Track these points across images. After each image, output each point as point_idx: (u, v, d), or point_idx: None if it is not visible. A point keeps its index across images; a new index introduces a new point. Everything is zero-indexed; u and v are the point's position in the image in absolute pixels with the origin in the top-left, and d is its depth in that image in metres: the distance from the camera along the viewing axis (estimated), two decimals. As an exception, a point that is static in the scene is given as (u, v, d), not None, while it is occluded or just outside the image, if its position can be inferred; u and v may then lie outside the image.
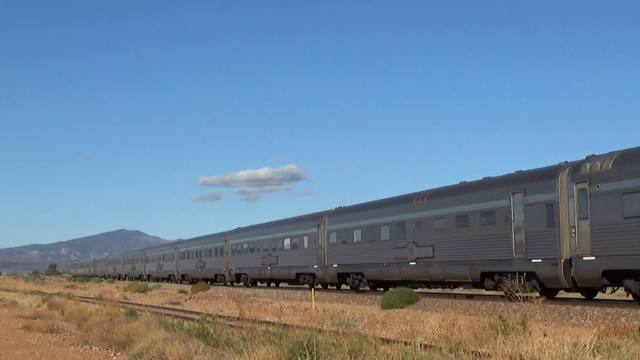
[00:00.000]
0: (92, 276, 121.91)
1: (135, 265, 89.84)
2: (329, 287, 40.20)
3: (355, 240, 35.40)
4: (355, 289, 35.78)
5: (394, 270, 31.63)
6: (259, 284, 51.46)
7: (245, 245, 51.04)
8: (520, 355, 9.45)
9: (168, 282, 73.17)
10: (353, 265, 35.36)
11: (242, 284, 52.46)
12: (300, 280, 42.21)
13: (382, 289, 34.10)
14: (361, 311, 26.79)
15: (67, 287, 73.16)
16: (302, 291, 39.55)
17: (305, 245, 40.97)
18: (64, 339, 19.67)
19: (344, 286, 38.56)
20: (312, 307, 29.74)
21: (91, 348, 17.23)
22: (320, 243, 38.95)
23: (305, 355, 9.70)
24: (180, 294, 47.33)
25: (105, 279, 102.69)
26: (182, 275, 68.79)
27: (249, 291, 43.69)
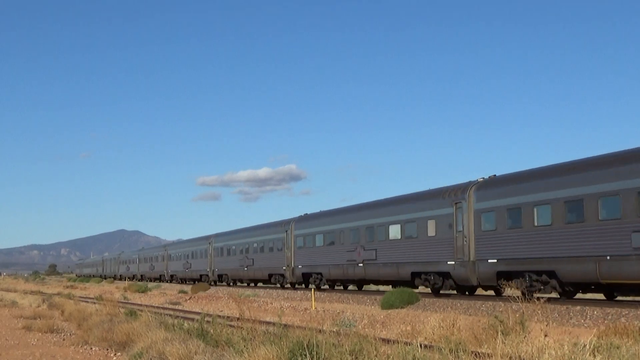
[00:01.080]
0: (102, 277, 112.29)
1: (154, 264, 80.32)
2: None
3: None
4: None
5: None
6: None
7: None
8: (520, 356, 9.45)
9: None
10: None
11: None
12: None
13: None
14: (361, 311, 26.79)
15: (67, 287, 73.15)
16: (302, 291, 39.53)
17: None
18: (64, 339, 19.67)
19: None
20: (312, 307, 29.74)
21: (91, 348, 17.23)
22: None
23: (305, 355, 9.70)
24: (180, 294, 47.32)
25: (119, 280, 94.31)
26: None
27: (249, 291, 43.70)
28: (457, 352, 9.83)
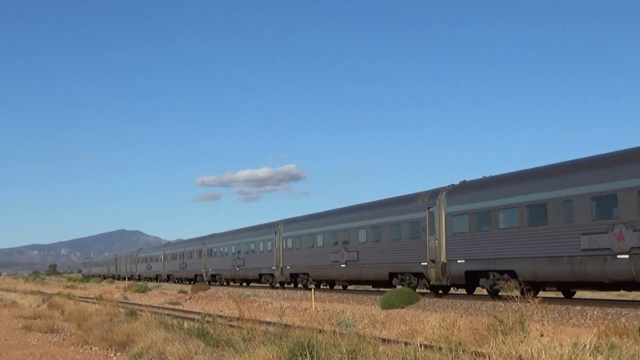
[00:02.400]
0: (115, 277, 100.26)
1: (187, 262, 67.11)
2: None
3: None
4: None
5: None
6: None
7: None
8: (520, 356, 9.44)
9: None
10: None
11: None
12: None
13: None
14: (361, 311, 26.79)
15: (67, 287, 73.13)
16: (302, 291, 39.60)
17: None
18: (64, 339, 19.67)
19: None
20: (312, 307, 29.74)
21: (91, 348, 17.23)
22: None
23: (305, 355, 9.70)
24: (180, 294, 47.33)
25: (138, 280, 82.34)
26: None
27: (248, 291, 43.76)
28: (457, 352, 9.83)
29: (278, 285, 45.88)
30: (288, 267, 43.19)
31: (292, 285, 44.63)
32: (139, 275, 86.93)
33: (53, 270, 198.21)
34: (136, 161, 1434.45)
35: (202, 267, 62.66)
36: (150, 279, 79.47)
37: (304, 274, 41.44)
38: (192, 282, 64.33)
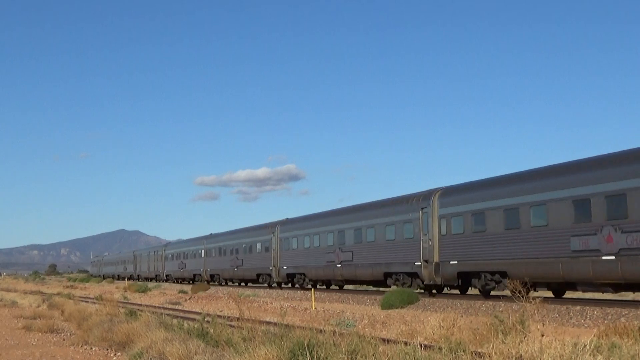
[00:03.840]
0: (133, 278, 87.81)
1: (241, 259, 52.20)
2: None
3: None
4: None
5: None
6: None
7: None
8: (520, 355, 9.44)
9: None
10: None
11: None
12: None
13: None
14: (361, 311, 26.80)
15: (67, 287, 73.12)
16: (302, 291, 39.65)
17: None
18: (64, 339, 19.66)
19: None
20: (312, 307, 29.75)
21: (91, 348, 17.22)
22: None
23: (305, 355, 9.70)
24: (180, 294, 47.33)
25: (166, 282, 72.65)
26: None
27: (248, 291, 43.78)
28: (457, 352, 9.82)
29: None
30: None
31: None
32: (167, 276, 74.06)
33: (53, 270, 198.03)
34: (136, 161, 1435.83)
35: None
36: (184, 280, 68.49)
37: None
38: (251, 284, 54.20)
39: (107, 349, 16.68)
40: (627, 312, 19.53)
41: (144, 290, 53.36)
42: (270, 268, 46.68)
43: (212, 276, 59.56)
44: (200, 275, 62.19)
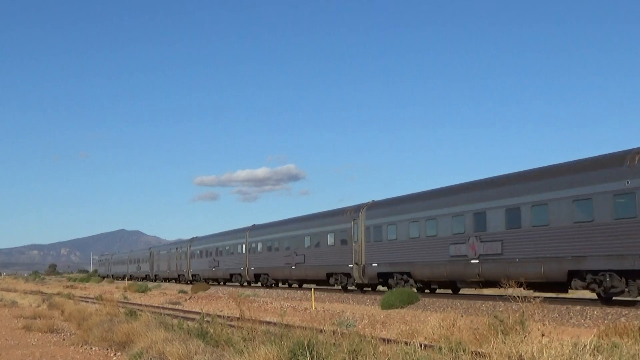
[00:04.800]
0: (149, 279, 78.51)
1: (303, 254, 43.02)
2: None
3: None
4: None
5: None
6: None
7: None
8: (520, 355, 9.44)
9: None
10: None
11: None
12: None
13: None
14: (361, 311, 26.80)
15: (67, 287, 73.14)
16: (302, 291, 39.75)
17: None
18: (64, 339, 19.67)
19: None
20: (312, 307, 29.75)
21: (91, 348, 17.22)
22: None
23: (305, 355, 9.70)
24: (180, 294, 47.34)
25: (191, 282, 62.57)
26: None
27: (248, 291, 43.82)
28: (457, 352, 9.83)
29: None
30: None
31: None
32: (193, 276, 63.78)
33: (53, 270, 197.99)
34: (136, 161, 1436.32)
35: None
36: (217, 281, 59.44)
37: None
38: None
39: (107, 349, 16.68)
40: (627, 312, 19.53)
41: (144, 290, 53.37)
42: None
43: (256, 276, 49.63)
44: (239, 275, 52.74)
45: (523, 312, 13.81)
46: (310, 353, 9.65)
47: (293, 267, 42.36)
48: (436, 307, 25.85)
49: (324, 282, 39.55)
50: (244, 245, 52.23)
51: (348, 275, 36.04)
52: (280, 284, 48.22)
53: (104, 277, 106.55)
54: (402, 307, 26.85)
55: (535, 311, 14.41)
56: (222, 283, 58.85)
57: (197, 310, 29.15)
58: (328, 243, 38.43)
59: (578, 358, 9.13)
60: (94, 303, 32.47)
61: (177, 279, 69.09)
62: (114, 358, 15.54)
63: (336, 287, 38.94)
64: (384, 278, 33.29)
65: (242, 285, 53.04)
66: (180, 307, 34.16)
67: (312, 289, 33.20)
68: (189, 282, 63.30)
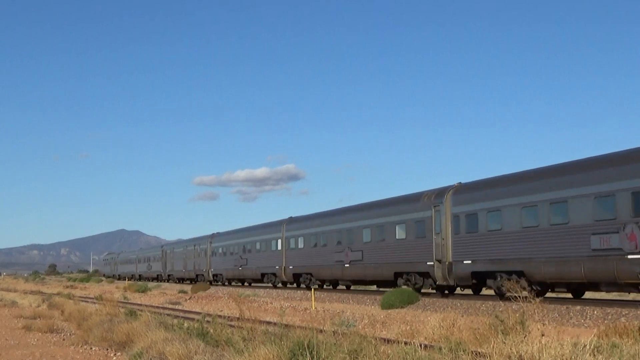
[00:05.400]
0: (162, 279, 74.55)
1: (360, 250, 36.39)
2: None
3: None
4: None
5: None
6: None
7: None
8: (520, 355, 9.44)
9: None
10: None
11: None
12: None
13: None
14: (361, 311, 26.80)
15: (67, 287, 73.14)
16: (302, 291, 39.69)
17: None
18: (63, 339, 19.67)
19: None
20: (312, 307, 29.75)
21: (91, 348, 17.22)
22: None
23: (305, 355, 9.70)
24: (180, 294, 47.34)
25: (211, 282, 58.13)
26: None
27: (248, 291, 43.78)
28: (457, 351, 9.83)
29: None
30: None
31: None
32: (215, 276, 58.44)
33: (53, 270, 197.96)
34: (136, 161, 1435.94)
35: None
36: (244, 282, 54.75)
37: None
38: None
39: (107, 349, 16.68)
40: (627, 312, 19.53)
41: (144, 290, 53.38)
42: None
43: (296, 276, 43.57)
44: (273, 275, 46.68)
45: (523, 312, 13.82)
46: (310, 353, 9.65)
47: (346, 265, 35.80)
48: (436, 307, 25.84)
49: (389, 283, 32.89)
50: (279, 241, 45.09)
51: (426, 275, 29.63)
52: (326, 286, 40.90)
53: (109, 278, 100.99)
54: (402, 307, 26.84)
55: (535, 311, 14.42)
56: (248, 284, 53.68)
57: (197, 310, 29.16)
58: (397, 236, 31.67)
59: (578, 358, 9.13)
60: (94, 303, 32.47)
61: (195, 279, 63.33)
62: (114, 358, 15.54)
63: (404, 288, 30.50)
64: (480, 278, 26.68)
65: (275, 287, 46.84)
66: (180, 307, 34.16)
67: (312, 290, 33.16)
68: (209, 282, 58.86)
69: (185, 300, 40.94)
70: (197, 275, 62.78)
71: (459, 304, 25.57)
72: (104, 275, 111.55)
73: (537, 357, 9.11)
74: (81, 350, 16.94)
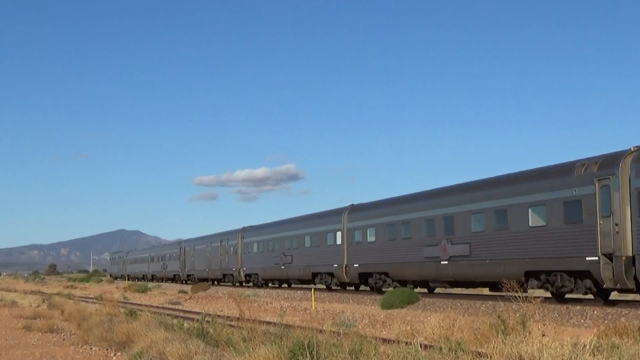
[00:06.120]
0: (180, 279, 67.71)
1: (468, 242, 27.53)
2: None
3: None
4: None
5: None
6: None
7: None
8: (520, 355, 9.44)
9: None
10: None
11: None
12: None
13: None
14: (361, 311, 26.80)
15: (67, 287, 73.15)
16: (302, 291, 39.65)
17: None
18: (64, 339, 19.67)
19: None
20: (312, 307, 29.75)
21: (91, 348, 17.23)
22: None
23: (305, 355, 9.70)
24: (180, 294, 47.35)
25: (249, 285, 51.61)
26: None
27: (249, 291, 43.78)
28: (457, 351, 9.83)
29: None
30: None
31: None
32: (247, 276, 50.76)
33: (53, 270, 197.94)
34: (135, 161, 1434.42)
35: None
36: (286, 284, 47.15)
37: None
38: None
39: (107, 349, 16.69)
40: (627, 312, 19.54)
41: (144, 290, 53.40)
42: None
43: (363, 276, 35.44)
44: (329, 275, 38.05)
45: (525, 312, 13.82)
46: (310, 353, 9.65)
47: (444, 262, 28.08)
48: (436, 307, 25.84)
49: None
50: (338, 234, 37.16)
51: (582, 275, 22.13)
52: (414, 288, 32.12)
53: (117, 278, 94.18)
54: (402, 307, 26.84)
55: (536, 311, 14.42)
56: (288, 286, 46.76)
57: (197, 310, 29.16)
58: (530, 223, 23.90)
59: (578, 358, 9.14)
60: (94, 303, 32.48)
61: (221, 280, 56.50)
62: (114, 358, 15.54)
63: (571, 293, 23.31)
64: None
65: (330, 289, 38.77)
66: (180, 307, 34.17)
67: (312, 290, 33.14)
68: (239, 284, 52.75)
69: (185, 300, 40.95)
70: (224, 276, 55.40)
71: (459, 304, 25.57)
72: (110, 275, 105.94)
73: (537, 357, 9.11)
74: (81, 350, 16.95)
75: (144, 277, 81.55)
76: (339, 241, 37.12)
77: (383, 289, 33.19)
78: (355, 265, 35.55)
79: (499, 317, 13.89)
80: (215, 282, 58.63)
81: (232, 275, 53.07)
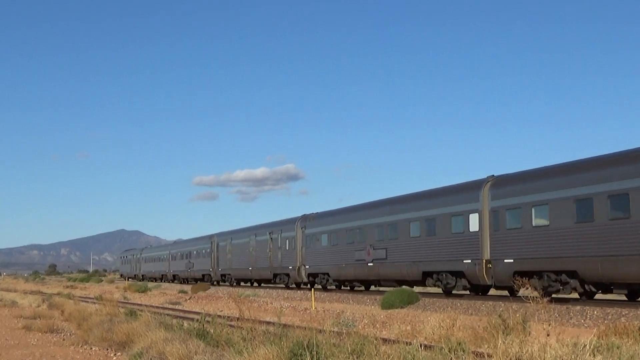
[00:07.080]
0: (211, 280, 57.85)
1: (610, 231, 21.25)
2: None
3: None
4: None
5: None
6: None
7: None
8: (520, 356, 9.44)
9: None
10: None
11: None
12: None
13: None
14: (361, 311, 26.80)
15: (67, 287, 73.15)
16: (302, 291, 39.65)
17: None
18: (64, 339, 19.67)
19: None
20: (312, 307, 29.74)
21: (91, 348, 17.23)
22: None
23: (305, 355, 9.70)
24: (180, 294, 47.35)
25: (310, 288, 40.06)
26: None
27: (249, 291, 43.76)
28: (457, 351, 9.83)
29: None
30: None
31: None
32: (310, 276, 41.31)
33: (53, 270, 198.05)
34: (135, 161, 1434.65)
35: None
36: (362, 285, 37.90)
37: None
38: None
39: (107, 349, 16.68)
40: (627, 312, 19.54)
41: (144, 290, 53.40)
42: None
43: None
44: (453, 274, 28.46)
45: (525, 312, 13.82)
46: (310, 353, 9.65)
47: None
48: (436, 307, 25.84)
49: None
50: (470, 217, 27.37)
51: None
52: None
53: (130, 279, 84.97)
54: (402, 307, 26.84)
55: (542, 311, 14.42)
56: (367, 287, 38.44)
57: (197, 310, 29.15)
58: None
59: (578, 358, 9.13)
60: (94, 303, 32.47)
61: (272, 280, 46.83)
62: (114, 358, 15.54)
63: None
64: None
65: (448, 294, 29.54)
66: (180, 307, 34.16)
67: (312, 290, 33.13)
68: (298, 286, 43.70)
69: (185, 300, 40.94)
70: (275, 275, 45.74)
71: (459, 304, 25.57)
72: (121, 275, 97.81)
73: (537, 357, 9.11)
74: (81, 350, 16.94)
75: (162, 278, 73.31)
76: (472, 228, 27.42)
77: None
78: (508, 260, 25.76)
79: (499, 316, 13.89)
80: (255, 284, 51.42)
81: (287, 275, 43.75)
